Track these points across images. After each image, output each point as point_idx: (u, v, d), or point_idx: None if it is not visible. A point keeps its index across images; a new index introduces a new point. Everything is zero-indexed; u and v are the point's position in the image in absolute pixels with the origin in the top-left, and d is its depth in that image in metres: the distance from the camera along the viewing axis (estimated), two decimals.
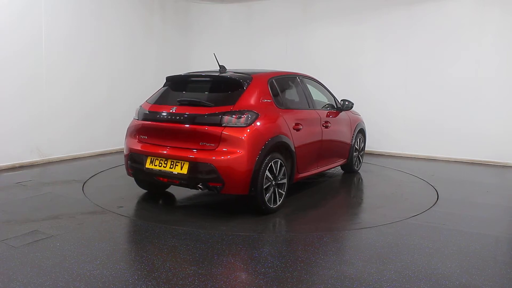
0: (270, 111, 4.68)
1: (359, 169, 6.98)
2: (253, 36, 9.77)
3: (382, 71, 8.60)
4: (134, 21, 8.58)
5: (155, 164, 4.53)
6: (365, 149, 7.31)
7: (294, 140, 4.88)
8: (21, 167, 6.54)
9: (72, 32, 7.25)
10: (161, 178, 4.56)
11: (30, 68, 6.66)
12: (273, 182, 4.55)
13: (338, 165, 6.42)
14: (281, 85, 5.17)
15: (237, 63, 8.89)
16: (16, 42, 6.43)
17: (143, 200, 5.14)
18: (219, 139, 4.25)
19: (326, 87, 6.30)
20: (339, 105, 6.22)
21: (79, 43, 7.40)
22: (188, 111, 4.50)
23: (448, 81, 8.05)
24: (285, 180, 4.74)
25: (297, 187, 5.74)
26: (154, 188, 5.39)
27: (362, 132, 6.91)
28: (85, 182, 5.74)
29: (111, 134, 7.91)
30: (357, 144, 6.73)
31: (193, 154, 4.31)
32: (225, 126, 4.28)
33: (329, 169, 6.10)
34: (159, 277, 3.03)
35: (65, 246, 3.56)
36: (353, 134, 6.54)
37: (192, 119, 4.41)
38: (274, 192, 4.59)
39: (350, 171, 6.80)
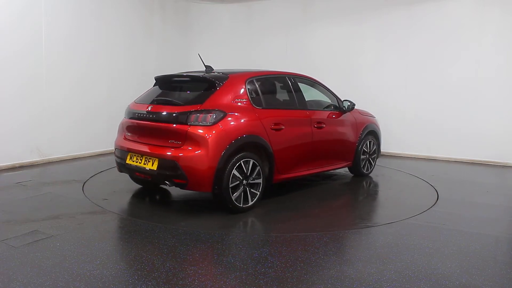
0: (242, 111, 4.69)
1: (369, 172, 6.63)
2: (253, 36, 9.76)
3: (382, 71, 8.60)
4: (134, 21, 8.57)
5: (133, 160, 4.73)
6: None
7: (272, 140, 4.85)
8: (21, 167, 6.54)
9: (72, 32, 7.25)
10: (138, 174, 4.74)
11: (30, 68, 6.66)
12: (244, 182, 4.55)
13: (341, 168, 6.26)
14: (263, 85, 5.16)
15: (237, 63, 8.91)
16: (16, 42, 6.43)
17: (134, 196, 5.20)
18: (185, 137, 4.36)
19: (327, 88, 6.15)
20: (341, 106, 6.06)
21: (79, 43, 7.40)
22: (160, 109, 4.68)
23: (448, 81, 8.05)
24: (260, 180, 4.71)
25: (295, 188, 5.74)
26: (147, 184, 5.48)
27: (373, 134, 6.58)
28: (85, 182, 5.74)
29: (111, 134, 7.81)
30: (366, 146, 6.43)
31: (162, 151, 4.47)
32: (190, 125, 4.37)
33: (327, 171, 6.01)
34: (159, 277, 3.03)
35: (65, 246, 3.56)
36: (360, 136, 6.28)
37: (162, 118, 4.59)
38: (245, 191, 4.58)
39: (358, 174, 6.50)
